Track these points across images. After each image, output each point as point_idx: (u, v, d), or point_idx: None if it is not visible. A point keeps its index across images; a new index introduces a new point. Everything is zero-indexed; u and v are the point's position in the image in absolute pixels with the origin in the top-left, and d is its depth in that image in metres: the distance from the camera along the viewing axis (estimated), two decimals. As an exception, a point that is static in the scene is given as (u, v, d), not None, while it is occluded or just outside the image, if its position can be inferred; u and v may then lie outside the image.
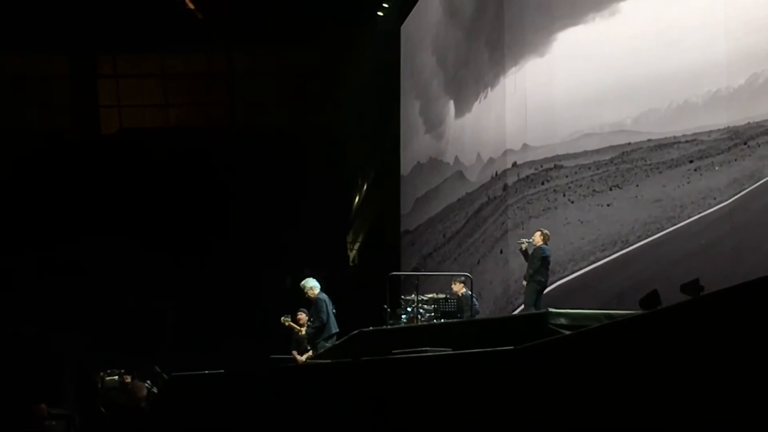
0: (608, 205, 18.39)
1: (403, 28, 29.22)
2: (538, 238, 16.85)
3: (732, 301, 5.91)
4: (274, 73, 34.66)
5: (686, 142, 16.12)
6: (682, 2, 16.18)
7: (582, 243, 18.62)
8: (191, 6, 32.95)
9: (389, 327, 17.01)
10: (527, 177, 20.64)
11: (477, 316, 17.90)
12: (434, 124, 26.26)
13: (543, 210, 20.28)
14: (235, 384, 13.42)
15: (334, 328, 16.81)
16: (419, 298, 17.83)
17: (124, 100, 35.54)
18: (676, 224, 16.57)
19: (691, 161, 16.12)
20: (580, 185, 19.05)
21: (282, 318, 18.56)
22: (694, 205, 16.07)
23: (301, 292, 17.30)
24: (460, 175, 24.11)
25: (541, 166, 20.03)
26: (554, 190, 19.89)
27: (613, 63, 17.71)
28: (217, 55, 35.20)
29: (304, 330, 17.90)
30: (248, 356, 21.56)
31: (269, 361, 18.91)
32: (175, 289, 30.03)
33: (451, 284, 18.84)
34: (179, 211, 32.47)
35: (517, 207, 21.10)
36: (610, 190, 18.31)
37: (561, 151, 19.17)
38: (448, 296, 18.27)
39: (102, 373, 23.62)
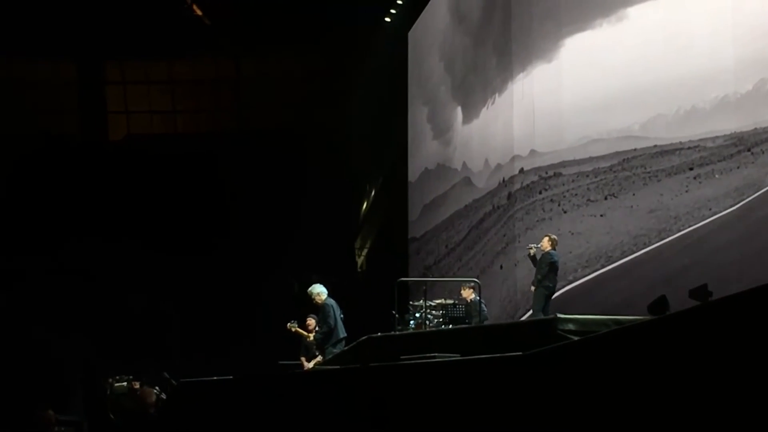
0: (601, 216, 18.38)
1: (410, 33, 29.24)
2: (546, 244, 16.85)
3: (742, 307, 5.92)
4: (281, 78, 34.70)
5: (689, 148, 16.10)
6: (689, 8, 16.18)
7: (569, 258, 18.61)
8: (198, 12, 33.02)
9: (397, 333, 17.01)
10: (527, 186, 20.68)
11: (485, 322, 17.89)
12: (442, 130, 26.27)
13: (537, 221, 20.31)
14: (243, 390, 13.42)
15: (342, 333, 16.84)
16: (427, 304, 17.84)
17: (132, 106, 35.62)
18: (664, 238, 16.57)
19: (691, 168, 16.09)
20: (576, 194, 19.03)
21: (288, 324, 18.58)
22: (687, 216, 16.03)
23: (309, 298, 17.33)
24: (467, 181, 24.12)
25: (546, 173, 20.04)
26: (551, 200, 19.91)
27: (621, 69, 17.70)
28: (225, 60, 35.26)
29: (312, 336, 17.92)
30: (256, 362, 21.58)
31: (277, 367, 18.94)
32: (183, 294, 30.05)
33: (460, 290, 18.84)
34: (186, 215, 32.51)
35: (516, 218, 21.15)
36: (605, 199, 18.28)
37: (568, 157, 19.17)
38: (456, 302, 18.28)
39: (110, 379, 23.63)
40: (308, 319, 18.38)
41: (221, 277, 30.76)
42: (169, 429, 14.48)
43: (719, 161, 15.39)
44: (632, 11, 17.55)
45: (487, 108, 22.94)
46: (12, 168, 32.15)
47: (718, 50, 15.31)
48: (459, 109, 24.95)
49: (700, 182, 15.87)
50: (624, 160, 17.72)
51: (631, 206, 17.59)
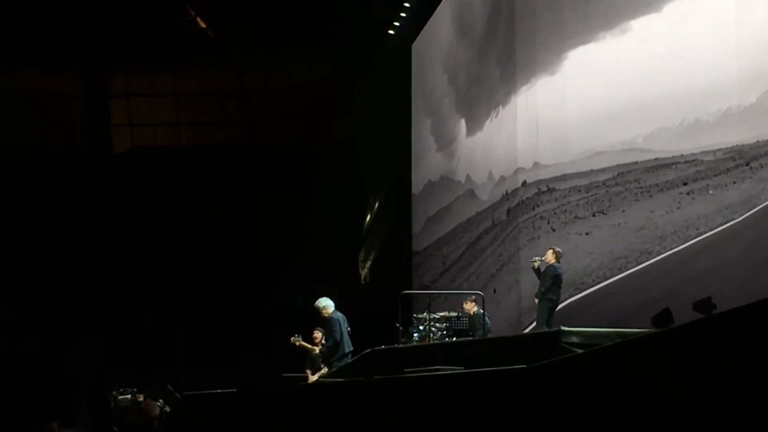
0: (587, 234, 18.36)
1: (414, 45, 29.28)
2: (550, 256, 16.82)
3: (745, 320, 5.92)
4: (285, 90, 34.75)
5: (686, 162, 16.05)
6: (693, 21, 16.17)
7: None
8: (203, 25, 33.11)
9: (401, 345, 17.01)
10: (523, 201, 20.72)
11: (489, 335, 17.88)
12: (446, 143, 26.28)
13: (528, 240, 20.35)
14: (247, 403, 13.44)
15: (348, 347, 16.66)
16: (431, 317, 17.83)
17: (136, 118, 35.67)
18: (647, 261, 16.56)
19: (685, 183, 16.02)
20: (565, 210, 19.01)
21: (292, 338, 18.52)
22: (674, 236, 15.99)
23: (315, 311, 17.22)
24: (471, 194, 24.13)
25: (544, 187, 20.03)
26: (541, 217, 19.94)
27: (625, 81, 17.68)
28: (229, 73, 35.31)
29: (317, 349, 17.88)
30: (261, 374, 21.59)
31: (281, 380, 18.92)
32: (189, 306, 30.08)
33: (463, 303, 18.83)
34: (191, 228, 32.54)
35: (511, 237, 21.18)
36: (593, 216, 18.25)
37: (571, 170, 19.16)
38: (460, 314, 18.26)
39: (115, 392, 23.64)
40: (315, 332, 18.34)
41: (227, 289, 30.78)
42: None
43: (715, 176, 15.33)
44: (636, 24, 17.54)
45: (491, 120, 22.95)
46: (17, 180, 32.22)
47: (722, 63, 15.29)
48: (463, 122, 24.96)
49: (693, 198, 15.81)
50: (619, 174, 17.68)
51: (619, 224, 17.55)
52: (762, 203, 14.29)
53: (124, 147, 35.66)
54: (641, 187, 17.06)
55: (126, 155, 35.41)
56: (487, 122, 23.19)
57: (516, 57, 21.51)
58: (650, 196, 16.81)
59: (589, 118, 18.61)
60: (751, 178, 14.58)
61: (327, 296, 17.35)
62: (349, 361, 16.28)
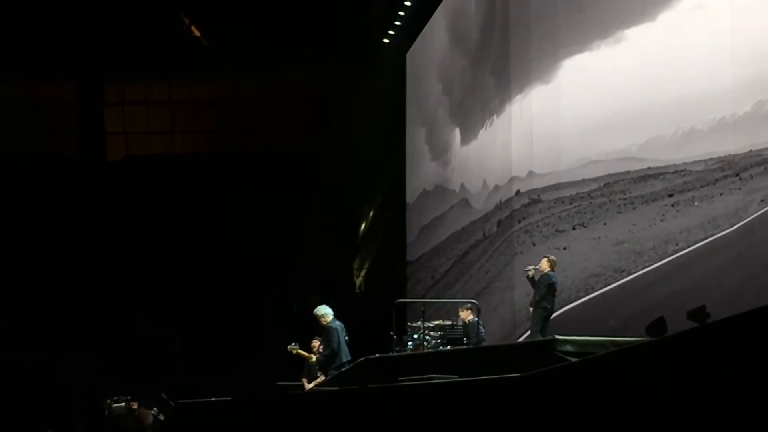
0: (564, 249, 18.34)
1: (408, 55, 29.29)
2: (544, 265, 16.81)
3: (739, 329, 5.91)
4: (280, 98, 34.77)
5: (674, 172, 16.01)
6: (688, 30, 16.17)
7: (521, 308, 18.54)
8: (197, 33, 33.13)
9: (395, 354, 16.96)
10: (510, 214, 20.73)
11: (483, 343, 17.85)
12: (440, 152, 26.28)
13: (513, 255, 20.37)
14: (241, 411, 13.40)
15: (345, 357, 16.30)
16: (425, 325, 17.78)
17: (131, 127, 35.68)
18: (620, 280, 16.55)
19: (671, 195, 15.98)
20: (547, 224, 19.00)
21: (289, 347, 18.43)
22: (652, 252, 15.97)
23: (312, 318, 17.05)
24: (465, 203, 24.11)
25: (535, 196, 20.03)
26: (525, 230, 19.93)
27: (619, 90, 17.68)
28: (224, 81, 35.33)
29: (314, 357, 17.79)
30: (256, 382, 21.54)
31: (275, 388, 18.85)
32: (184, 314, 30.06)
33: (459, 311, 18.81)
34: (185, 236, 32.52)
35: (499, 252, 21.17)
36: (573, 229, 18.24)
37: (565, 179, 19.15)
38: (454, 323, 18.22)
39: (109, 400, 23.59)
40: (313, 341, 18.25)
41: (221, 297, 30.75)
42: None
43: (702, 186, 15.29)
44: (630, 33, 17.55)
45: (486, 129, 22.95)
46: (12, 188, 32.19)
47: (716, 72, 15.29)
48: (457, 131, 24.96)
49: (677, 210, 15.77)
50: (606, 185, 17.67)
51: (599, 237, 17.52)
52: (748, 216, 14.28)
53: (119, 155, 35.66)
54: (626, 199, 17.03)
55: (121, 164, 35.42)
56: (482, 131, 23.19)
57: (510, 66, 21.51)
58: (634, 208, 16.79)
59: (583, 126, 18.60)
60: (739, 189, 14.55)
61: (326, 305, 17.16)
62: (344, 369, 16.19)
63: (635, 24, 17.44)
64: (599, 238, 17.45)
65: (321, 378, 17.01)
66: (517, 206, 20.49)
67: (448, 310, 20.35)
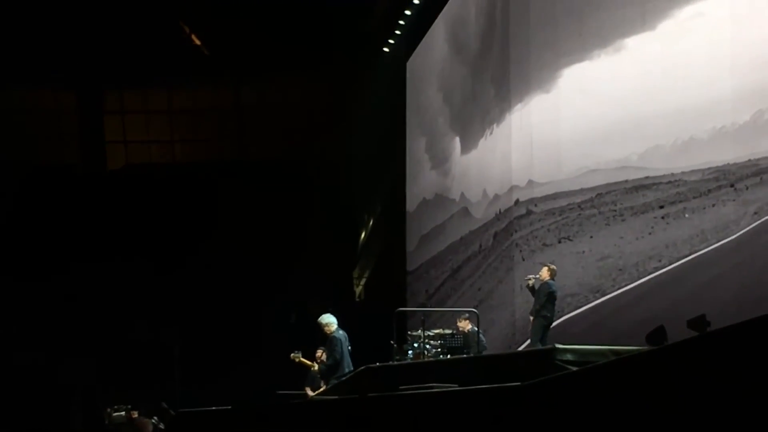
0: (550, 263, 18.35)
1: (408, 63, 29.30)
2: (545, 274, 16.83)
3: (740, 337, 5.91)
4: (280, 107, 34.78)
5: (667, 183, 16.00)
6: (687, 39, 16.20)
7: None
8: (197, 42, 33.14)
9: (396, 363, 16.95)
10: (506, 226, 20.74)
11: (483, 352, 17.85)
12: (440, 161, 26.28)
13: (507, 271, 20.35)
14: (241, 420, 13.40)
15: (348, 368, 16.09)
16: (426, 334, 17.79)
17: (131, 135, 35.67)
18: (594, 300, 16.55)
19: (662, 206, 15.95)
20: (536, 237, 19.01)
21: (292, 354, 18.43)
22: (634, 268, 15.96)
23: (313, 326, 16.96)
24: (465, 212, 24.11)
25: (530, 207, 20.03)
26: (516, 244, 19.95)
27: (619, 99, 17.70)
28: (224, 90, 35.34)
29: (316, 366, 17.74)
30: (257, 391, 21.53)
31: (276, 397, 18.84)
32: (184, 322, 30.07)
33: (457, 321, 18.82)
34: (185, 244, 32.51)
35: (493, 267, 21.18)
36: (559, 242, 18.22)
37: (565, 188, 19.15)
38: (454, 332, 18.24)
39: (109, 409, 23.56)
40: (318, 351, 18.23)
41: (222, 305, 30.74)
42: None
43: (695, 197, 15.28)
44: (630, 42, 17.57)
45: (486, 138, 22.95)
46: (12, 196, 32.20)
47: (716, 81, 15.31)
48: (457, 140, 24.97)
49: (667, 223, 15.76)
50: (597, 195, 17.66)
51: (583, 251, 17.51)
52: (739, 230, 14.27)
53: (119, 164, 35.65)
54: (615, 210, 17.02)
55: (120, 172, 35.41)
56: (482, 140, 23.20)
57: (510, 75, 21.52)
58: (623, 220, 16.78)
59: (583, 136, 18.61)
60: (734, 200, 14.54)
61: (330, 313, 17.04)
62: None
63: (635, 33, 17.47)
64: (583, 252, 17.48)
65: (324, 387, 16.97)
66: (516, 215, 20.49)
67: (449, 320, 20.36)
